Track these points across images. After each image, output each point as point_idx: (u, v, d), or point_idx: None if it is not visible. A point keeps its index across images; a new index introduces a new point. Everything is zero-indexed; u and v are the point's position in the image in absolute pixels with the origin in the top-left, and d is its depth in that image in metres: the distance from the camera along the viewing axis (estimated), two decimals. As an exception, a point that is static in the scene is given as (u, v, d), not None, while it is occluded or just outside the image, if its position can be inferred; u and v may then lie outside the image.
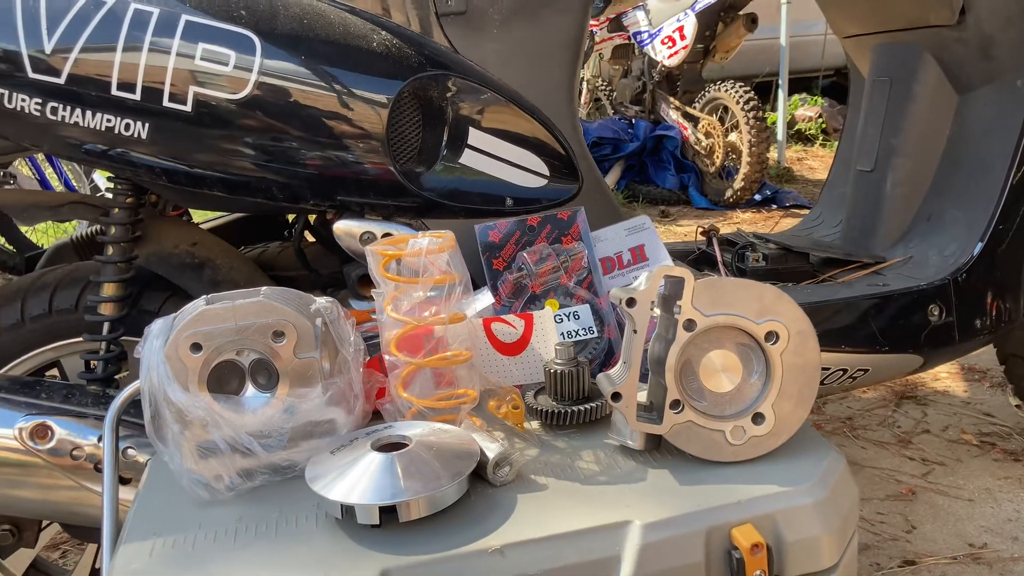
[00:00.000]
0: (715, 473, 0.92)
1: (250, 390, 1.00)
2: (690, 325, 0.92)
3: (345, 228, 1.31)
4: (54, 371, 1.51)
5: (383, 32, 1.29)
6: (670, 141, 5.36)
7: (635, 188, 5.42)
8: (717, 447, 0.93)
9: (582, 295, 1.21)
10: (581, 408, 1.02)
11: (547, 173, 1.41)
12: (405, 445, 0.92)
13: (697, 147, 5.23)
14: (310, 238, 1.62)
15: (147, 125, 1.21)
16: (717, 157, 5.15)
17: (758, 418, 0.93)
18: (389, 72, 1.29)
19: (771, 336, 0.93)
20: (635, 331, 0.93)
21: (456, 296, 1.02)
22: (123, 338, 1.42)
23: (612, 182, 5.33)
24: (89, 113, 1.20)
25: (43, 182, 4.16)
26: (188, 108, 1.20)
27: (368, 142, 1.28)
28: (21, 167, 4.13)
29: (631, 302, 0.92)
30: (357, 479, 0.87)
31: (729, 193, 5.06)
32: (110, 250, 1.38)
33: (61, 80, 1.19)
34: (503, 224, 1.26)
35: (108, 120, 1.20)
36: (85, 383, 1.35)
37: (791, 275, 1.64)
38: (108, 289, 1.37)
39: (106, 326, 1.38)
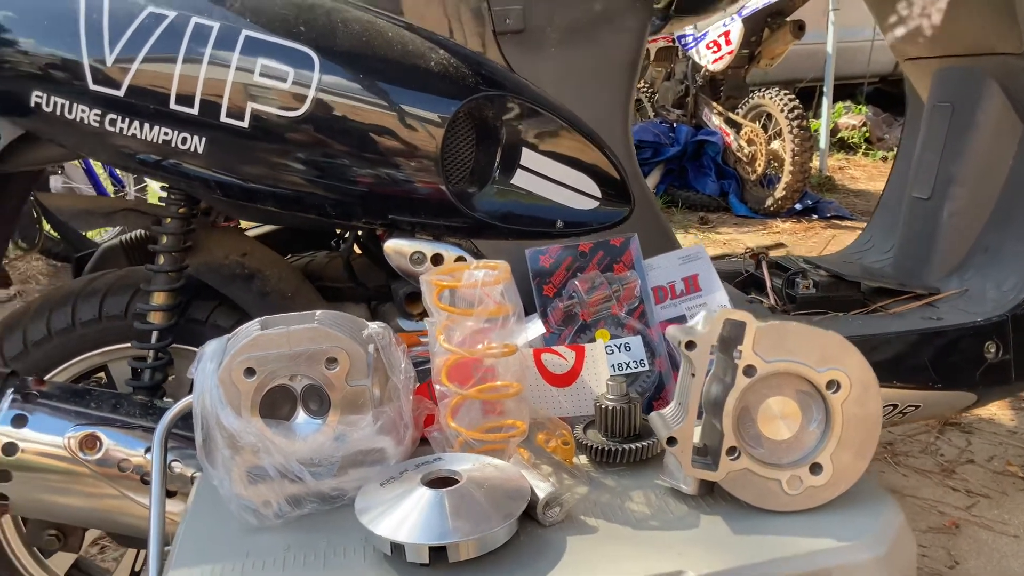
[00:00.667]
0: (769, 523, 0.90)
1: (301, 416, 0.99)
2: (750, 371, 0.91)
3: (395, 247, 1.30)
4: (101, 375, 1.52)
5: (441, 51, 1.28)
6: (711, 147, 5.30)
7: (674, 193, 5.38)
8: (773, 496, 0.91)
9: (633, 325, 1.20)
10: (632, 447, 1.01)
11: (599, 196, 1.40)
12: (456, 481, 0.91)
13: (739, 154, 5.18)
14: (358, 250, 1.62)
15: (204, 140, 1.21)
16: (759, 165, 5.09)
17: (816, 468, 0.91)
18: (446, 91, 1.28)
19: (833, 385, 0.91)
20: (693, 375, 0.92)
21: (509, 327, 1.01)
22: (171, 346, 1.43)
23: (651, 186, 5.29)
24: (147, 125, 1.20)
25: (89, 171, 4.21)
26: (245, 124, 1.20)
27: (422, 161, 1.27)
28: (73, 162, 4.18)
29: (690, 345, 0.91)
30: (407, 515, 0.86)
31: (770, 201, 5.01)
32: (161, 259, 1.38)
33: (121, 92, 1.19)
34: (554, 250, 1.25)
35: (165, 133, 1.21)
36: (132, 391, 1.36)
37: (841, 304, 1.61)
38: (158, 298, 1.38)
39: (155, 335, 1.39)
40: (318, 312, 1.03)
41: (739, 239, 4.69)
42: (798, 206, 5.05)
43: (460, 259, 1.32)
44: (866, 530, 0.89)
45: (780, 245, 4.38)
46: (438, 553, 0.83)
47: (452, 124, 1.27)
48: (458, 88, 1.29)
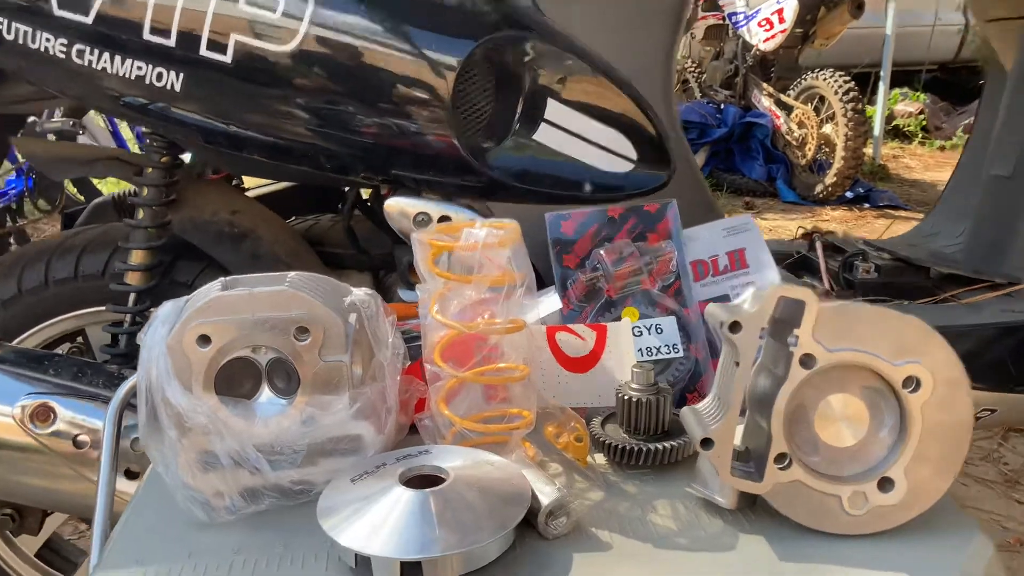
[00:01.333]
0: (824, 548, 0.73)
1: (265, 394, 0.84)
2: (808, 361, 0.73)
3: (398, 206, 1.14)
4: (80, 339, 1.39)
5: (456, -19, 1.12)
6: (760, 129, 5.07)
7: (720, 176, 5.15)
8: (830, 515, 0.74)
9: (667, 304, 1.03)
10: (659, 447, 0.84)
11: (634, 157, 1.22)
12: (442, 480, 0.75)
13: (788, 137, 4.94)
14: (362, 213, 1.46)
15: (181, 76, 1.06)
16: (809, 149, 4.85)
17: (886, 483, 0.74)
18: (460, 29, 1.12)
19: (911, 382, 0.74)
20: (736, 363, 0.74)
21: (516, 298, 0.84)
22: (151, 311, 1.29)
23: (695, 169, 5.06)
24: (118, 59, 1.06)
25: (115, 134, 4.10)
26: (227, 59, 1.04)
27: (430, 110, 1.11)
28: (96, 119, 4.06)
29: (735, 327, 0.74)
30: (380, 521, 0.71)
31: (819, 188, 4.77)
32: (141, 213, 1.24)
33: (89, 19, 1.04)
34: (579, 215, 1.08)
35: (139, 68, 1.06)
36: (107, 358, 1.22)
37: (906, 291, 1.42)
38: (136, 256, 1.24)
39: (132, 297, 1.25)
40: (291, 273, 0.87)
41: (785, 226, 4.47)
42: (849, 194, 4.81)
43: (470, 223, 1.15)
44: (946, 565, 0.71)
45: (831, 233, 4.18)
46: (412, 570, 0.68)
47: (466, 67, 1.11)
48: (475, 25, 1.12)
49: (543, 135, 1.18)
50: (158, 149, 1.21)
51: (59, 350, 1.40)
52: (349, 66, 1.09)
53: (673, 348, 0.98)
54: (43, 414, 1.06)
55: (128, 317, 1.26)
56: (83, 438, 1.07)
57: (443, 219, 1.15)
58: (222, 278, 0.87)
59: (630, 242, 1.05)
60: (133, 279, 1.25)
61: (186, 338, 0.81)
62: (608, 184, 1.21)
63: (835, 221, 4.57)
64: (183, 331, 0.81)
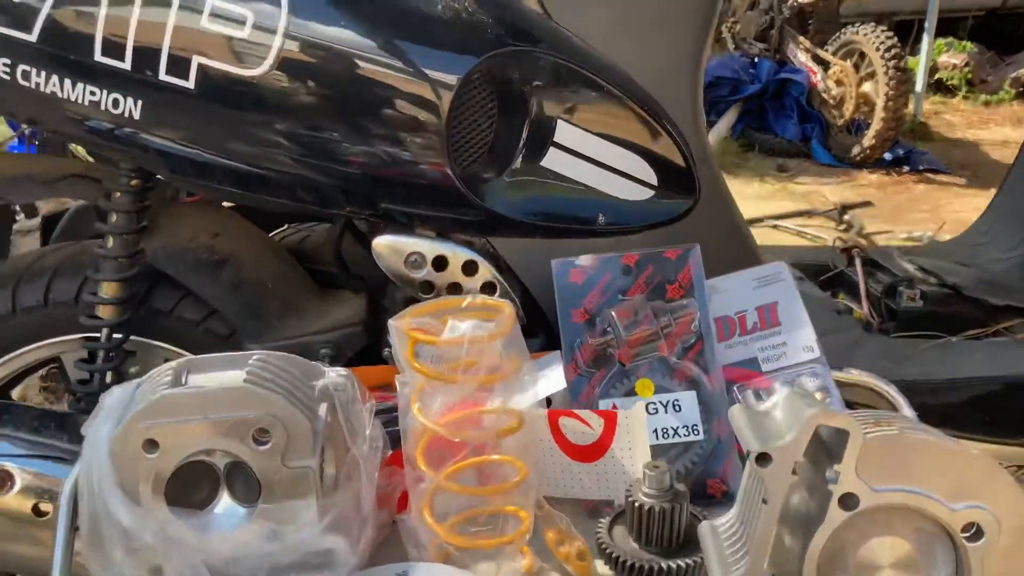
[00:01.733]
0: None
1: (223, 501, 0.74)
2: (850, 502, 0.62)
3: (388, 246, 1.03)
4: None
5: (452, -10, 0.98)
6: (795, 86, 4.84)
7: (751, 136, 4.94)
8: None
9: (686, 372, 0.91)
10: (674, 565, 0.73)
11: (655, 183, 1.09)
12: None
13: (825, 95, 4.71)
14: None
15: (140, 103, 0.94)
16: (847, 109, 4.62)
17: (937, 643, 0.63)
18: (457, 44, 0.99)
19: (971, 529, 0.62)
20: (764, 501, 0.63)
21: (512, 385, 0.73)
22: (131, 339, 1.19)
23: (726, 127, 4.86)
24: (68, 82, 0.93)
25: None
26: (190, 84, 0.92)
27: (422, 136, 0.98)
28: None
29: (763, 459, 0.62)
30: None
31: (857, 150, 4.56)
32: (111, 241, 1.13)
33: (32, 37, 0.92)
34: (589, 262, 0.96)
35: (92, 93, 0.94)
36: (72, 397, 1.13)
37: (953, 322, 1.29)
38: (107, 289, 1.13)
39: (104, 332, 1.15)
40: (256, 354, 0.76)
41: (820, 191, 4.28)
42: (887, 156, 4.59)
43: (469, 264, 1.03)
44: None
45: (867, 203, 3.99)
46: None
47: (464, 88, 0.98)
48: (474, 40, 0.99)
49: (552, 160, 1.05)
50: (125, 172, 1.09)
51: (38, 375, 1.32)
52: (328, 88, 0.96)
53: (692, 430, 0.87)
54: (-1, 480, 0.97)
55: (102, 353, 1.16)
56: (44, 507, 0.97)
57: (438, 259, 1.03)
58: (174, 362, 0.76)
59: (645, 300, 0.92)
60: (105, 313, 1.14)
61: (130, 443, 0.70)
62: (624, 214, 1.08)
63: (872, 186, 4.37)
64: (127, 435, 0.70)
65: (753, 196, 4.22)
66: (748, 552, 0.64)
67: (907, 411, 0.92)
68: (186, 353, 1.24)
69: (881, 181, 4.45)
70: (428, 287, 1.04)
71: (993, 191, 4.47)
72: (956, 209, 4.14)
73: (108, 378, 1.17)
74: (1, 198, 1.14)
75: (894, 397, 0.93)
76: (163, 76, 0.91)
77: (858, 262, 1.42)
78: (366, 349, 1.20)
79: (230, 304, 1.18)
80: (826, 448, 0.63)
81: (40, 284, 1.19)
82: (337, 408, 0.76)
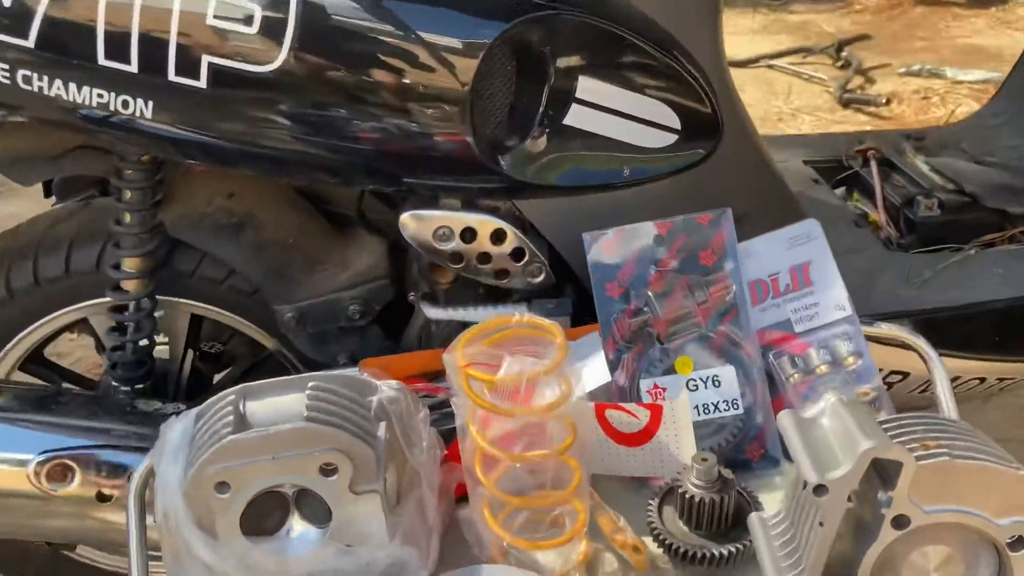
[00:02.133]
0: None
1: (297, 524, 0.77)
2: (902, 523, 0.65)
3: (414, 220, 1.02)
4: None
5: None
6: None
7: (742, -38, 4.71)
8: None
9: (723, 338, 0.92)
10: (724, 552, 0.78)
11: (678, 126, 1.07)
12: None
13: (821, -85, 4.46)
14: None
15: (150, 103, 0.90)
16: (843, -71, 4.39)
17: (977, 637, 0.68)
18: (486, 10, 0.94)
19: (1017, 542, 0.66)
20: (820, 523, 0.66)
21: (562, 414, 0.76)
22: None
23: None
24: (72, 86, 0.89)
25: None
26: (202, 83, 0.88)
27: (445, 107, 0.96)
28: None
29: (820, 490, 0.65)
30: None
31: (853, -27, 4.37)
32: (128, 217, 1.11)
33: (29, 43, 0.87)
34: (621, 233, 0.95)
35: (99, 95, 0.90)
36: (112, 384, 1.15)
37: (972, 229, 1.29)
38: (130, 264, 1.13)
39: (131, 307, 1.15)
40: (312, 380, 0.77)
41: (815, 21, 4.15)
42: (885, -23, 4.40)
43: (498, 232, 1.03)
44: None
45: (864, 36, 3.87)
46: None
47: (489, 54, 0.94)
48: (501, 4, 0.94)
49: (574, 118, 1.02)
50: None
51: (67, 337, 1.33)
52: (345, 70, 0.92)
53: (732, 404, 0.90)
54: (59, 474, 1.00)
55: (132, 325, 1.16)
56: (107, 491, 1.02)
57: (467, 231, 1.02)
58: (231, 392, 0.77)
59: (678, 273, 0.93)
60: (131, 287, 1.14)
61: (203, 486, 0.73)
62: (649, 163, 1.07)
63: (869, 13, 4.23)
64: (198, 480, 0.73)
65: (747, 30, 4.09)
66: (800, 559, 0.69)
67: (936, 365, 0.95)
68: (212, 308, 1.25)
69: (878, 5, 4.30)
70: (457, 257, 1.04)
71: (994, 10, 4.31)
72: (955, 35, 4.04)
73: (141, 343, 1.19)
74: (10, 178, 1.10)
75: (924, 350, 0.95)
76: (172, 77, 0.87)
77: (874, 165, 1.41)
78: (392, 300, 1.21)
79: (254, 267, 1.18)
80: (878, 470, 0.66)
81: (60, 255, 1.18)
82: (394, 423, 0.78)
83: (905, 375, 1.13)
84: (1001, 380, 1.22)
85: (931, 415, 0.72)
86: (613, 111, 1.03)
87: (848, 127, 3.26)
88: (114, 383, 1.18)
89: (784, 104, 3.46)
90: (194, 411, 0.79)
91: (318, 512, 0.77)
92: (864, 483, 0.67)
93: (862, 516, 0.68)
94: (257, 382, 0.79)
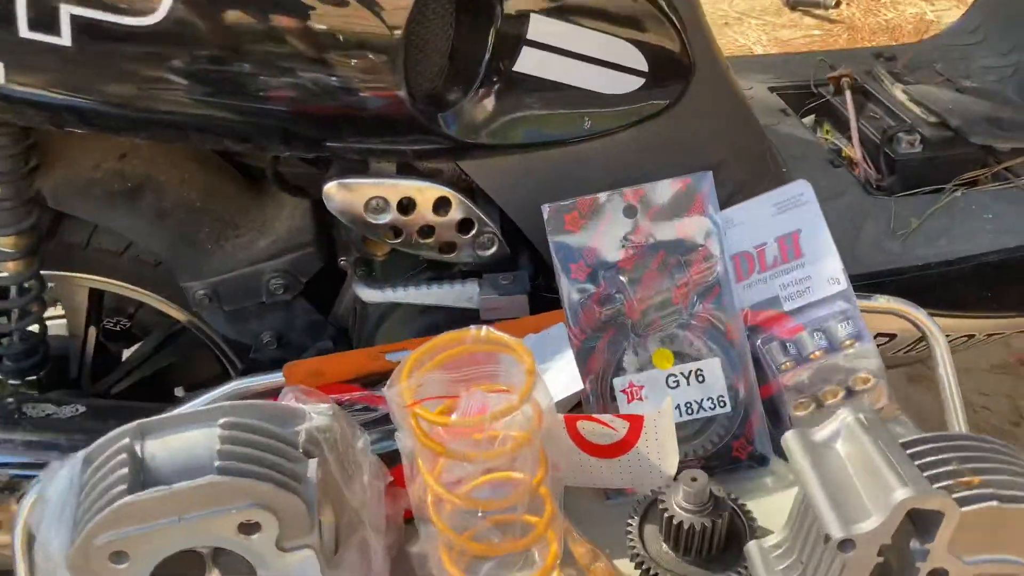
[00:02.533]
0: None
1: (216, 584, 0.64)
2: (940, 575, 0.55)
3: (341, 191, 0.86)
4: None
5: None
6: None
7: None
8: None
9: (704, 323, 0.81)
10: (717, 585, 0.68)
11: (645, 69, 0.93)
12: None
13: None
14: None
15: (2, 64, 0.72)
16: None
17: None
18: None
19: (1063, 586, 0.57)
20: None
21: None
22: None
23: None
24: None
25: None
26: (65, 40, 0.70)
27: (373, 57, 0.79)
28: None
29: (847, 546, 0.54)
30: None
31: None
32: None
33: None
34: (585, 203, 0.82)
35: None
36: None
37: (954, 165, 1.18)
38: (7, 244, 0.96)
39: (13, 291, 0.99)
40: (221, 412, 0.63)
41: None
42: None
43: (441, 201, 0.88)
44: None
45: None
46: None
47: (422, -2, 0.77)
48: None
49: (525, 63, 0.87)
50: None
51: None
52: (248, 15, 0.75)
53: (719, 402, 0.78)
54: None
55: (16, 311, 1.00)
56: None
57: (404, 201, 0.87)
58: (121, 431, 0.63)
59: (654, 251, 0.80)
60: (10, 268, 0.97)
61: (94, 557, 0.59)
62: (612, 111, 0.92)
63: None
64: (87, 550, 0.59)
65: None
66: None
67: (938, 337, 0.85)
68: (113, 282, 1.10)
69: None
70: (395, 232, 0.89)
71: None
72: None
73: (29, 330, 1.03)
74: None
75: (924, 323, 0.85)
76: (25, 33, 0.69)
77: (848, 96, 1.28)
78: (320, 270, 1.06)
79: (155, 239, 1.02)
80: (912, 517, 0.56)
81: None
82: (327, 457, 0.65)
83: (892, 336, 1.04)
84: (990, 336, 1.14)
85: (961, 436, 0.61)
86: (570, 53, 0.88)
87: (797, 31, 3.12)
88: (0, 376, 1.03)
89: (729, 7, 3.30)
90: (80, 455, 0.65)
91: (241, 568, 0.64)
92: (896, 533, 0.56)
93: (891, 568, 0.58)
94: (155, 418, 0.64)
